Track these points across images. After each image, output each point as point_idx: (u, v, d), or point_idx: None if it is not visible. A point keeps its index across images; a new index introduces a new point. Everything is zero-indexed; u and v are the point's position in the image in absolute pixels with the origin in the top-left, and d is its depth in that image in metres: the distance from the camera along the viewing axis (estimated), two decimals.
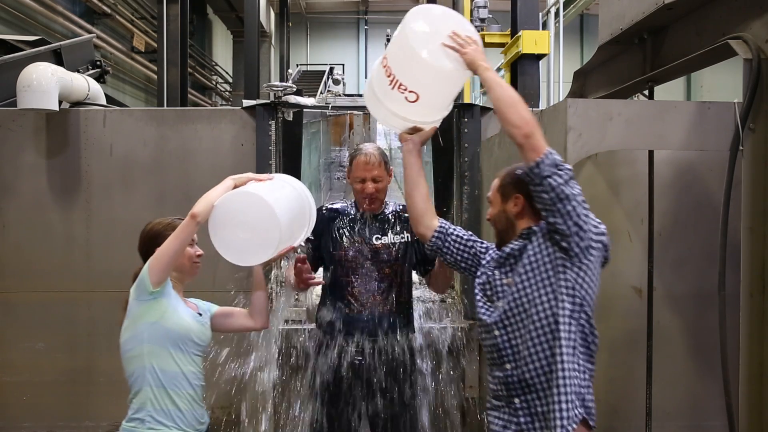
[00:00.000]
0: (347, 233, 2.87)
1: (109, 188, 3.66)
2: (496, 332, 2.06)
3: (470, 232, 2.33)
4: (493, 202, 2.15)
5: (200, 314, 2.45)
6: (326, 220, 2.90)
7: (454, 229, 2.32)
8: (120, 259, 3.64)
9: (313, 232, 2.87)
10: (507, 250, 2.08)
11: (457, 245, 2.28)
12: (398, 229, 2.89)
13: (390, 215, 2.93)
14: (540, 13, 9.50)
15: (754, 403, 2.21)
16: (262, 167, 3.63)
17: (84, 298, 3.65)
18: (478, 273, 2.21)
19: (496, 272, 2.11)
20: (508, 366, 2.03)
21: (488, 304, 2.12)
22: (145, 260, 2.36)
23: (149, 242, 2.41)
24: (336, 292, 2.85)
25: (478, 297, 2.16)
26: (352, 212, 2.92)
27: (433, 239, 2.31)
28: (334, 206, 2.97)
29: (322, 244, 2.89)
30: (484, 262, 2.22)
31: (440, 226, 2.33)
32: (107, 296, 3.65)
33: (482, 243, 2.29)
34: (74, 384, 3.67)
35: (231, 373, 3.71)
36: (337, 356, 2.81)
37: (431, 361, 3.66)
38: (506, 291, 2.07)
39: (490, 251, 2.23)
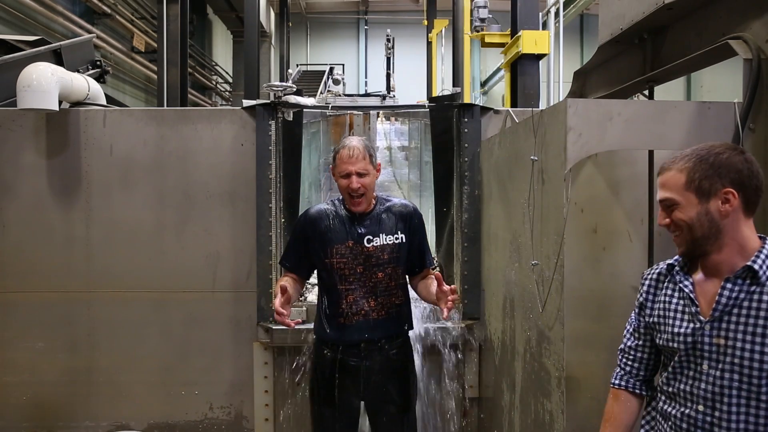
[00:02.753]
0: (336, 237, 2.72)
1: (109, 188, 3.66)
2: (700, 407, 1.61)
3: (632, 332, 1.86)
4: (683, 204, 1.60)
5: None
6: (313, 223, 2.76)
7: (633, 351, 1.84)
8: (120, 259, 3.66)
9: (301, 237, 2.79)
10: (723, 300, 1.58)
11: (648, 351, 1.81)
12: (391, 228, 2.76)
13: (382, 213, 2.78)
14: (540, 13, 9.51)
15: None
16: (262, 167, 3.63)
17: (84, 298, 3.65)
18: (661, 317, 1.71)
19: (707, 326, 1.60)
20: None
21: (689, 365, 1.64)
22: None
23: None
24: (329, 299, 2.76)
25: (680, 350, 1.65)
26: (341, 213, 2.77)
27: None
28: (321, 208, 2.81)
29: (311, 249, 2.77)
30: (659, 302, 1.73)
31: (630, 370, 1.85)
32: (107, 296, 3.66)
33: (642, 307, 1.81)
34: (74, 384, 3.67)
35: (230, 375, 3.72)
36: (335, 363, 2.76)
37: (431, 361, 3.67)
38: (718, 353, 1.58)
39: (657, 275, 1.76)
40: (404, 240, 2.78)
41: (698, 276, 1.67)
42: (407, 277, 2.91)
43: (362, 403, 2.84)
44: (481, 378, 3.67)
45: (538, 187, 2.53)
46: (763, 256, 1.56)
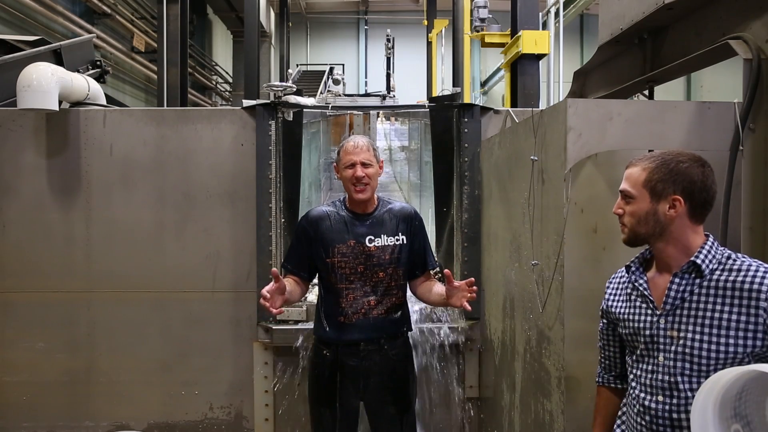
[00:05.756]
0: (337, 237, 2.74)
1: (109, 188, 3.66)
2: (660, 398, 1.70)
3: (600, 333, 2.00)
4: (637, 197, 1.73)
5: None
6: (314, 224, 2.78)
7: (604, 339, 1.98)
8: (120, 259, 3.66)
9: (303, 239, 2.80)
10: (672, 294, 1.70)
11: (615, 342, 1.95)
12: (392, 230, 2.79)
13: (384, 215, 2.81)
14: (540, 13, 9.51)
15: None
16: (262, 167, 3.63)
17: (84, 298, 3.65)
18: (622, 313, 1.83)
19: (661, 320, 1.72)
20: None
21: (649, 357, 1.74)
22: None
23: None
24: (330, 299, 2.78)
25: (641, 343, 1.76)
26: (342, 213, 2.80)
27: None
28: (322, 209, 2.84)
29: (313, 250, 2.78)
30: (619, 298, 1.87)
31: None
32: (107, 296, 3.66)
33: (605, 311, 1.94)
34: (74, 384, 3.67)
35: (230, 375, 3.72)
36: (334, 364, 2.77)
37: (430, 361, 3.67)
38: (672, 344, 1.69)
39: (619, 278, 1.89)
40: (405, 241, 2.80)
41: (652, 273, 1.80)
42: (408, 281, 2.91)
43: (361, 403, 2.84)
44: (481, 378, 3.67)
45: (538, 187, 2.53)
46: (705, 251, 1.69)
